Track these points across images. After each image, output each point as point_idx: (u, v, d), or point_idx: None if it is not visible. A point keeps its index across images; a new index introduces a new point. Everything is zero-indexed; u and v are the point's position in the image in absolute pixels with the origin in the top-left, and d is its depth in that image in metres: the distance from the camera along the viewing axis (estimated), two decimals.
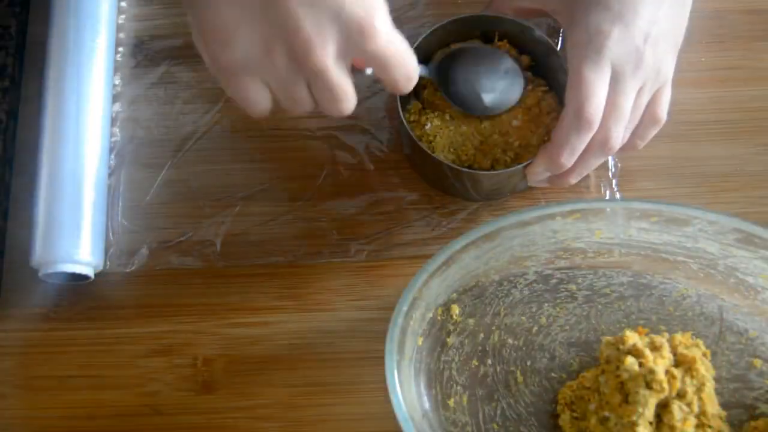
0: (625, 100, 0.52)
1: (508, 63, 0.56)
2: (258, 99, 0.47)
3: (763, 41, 0.62)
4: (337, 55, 0.44)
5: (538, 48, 0.57)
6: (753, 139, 0.60)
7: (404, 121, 0.55)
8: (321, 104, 0.47)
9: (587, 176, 0.58)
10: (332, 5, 0.43)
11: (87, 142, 0.56)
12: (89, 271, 0.55)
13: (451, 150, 0.56)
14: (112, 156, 0.60)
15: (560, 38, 0.59)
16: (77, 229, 0.55)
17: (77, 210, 0.55)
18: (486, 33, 0.58)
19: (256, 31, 0.44)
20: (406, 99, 0.57)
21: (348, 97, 0.47)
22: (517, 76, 0.56)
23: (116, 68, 0.62)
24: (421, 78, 0.58)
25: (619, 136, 0.52)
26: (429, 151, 0.54)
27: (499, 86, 0.56)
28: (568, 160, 0.52)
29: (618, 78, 0.51)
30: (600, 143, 0.52)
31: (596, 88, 0.50)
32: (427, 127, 0.56)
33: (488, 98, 0.55)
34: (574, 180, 0.55)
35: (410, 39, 0.61)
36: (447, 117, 0.56)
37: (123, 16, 0.63)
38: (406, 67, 0.47)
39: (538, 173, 0.54)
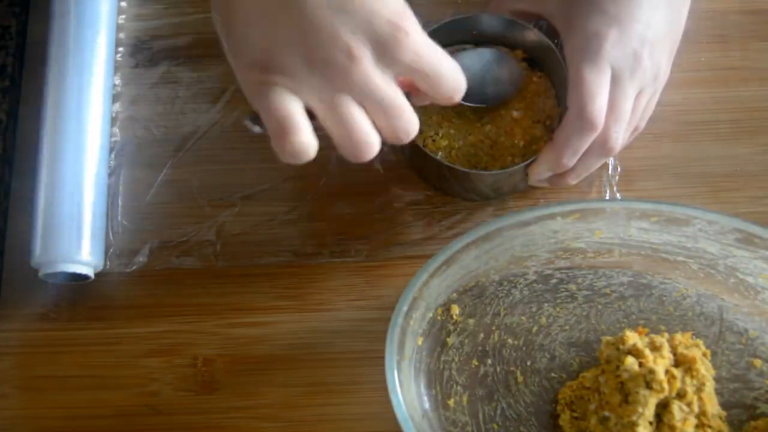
0: (624, 102, 0.52)
1: (503, 55, 0.57)
2: (302, 125, 0.42)
3: (763, 41, 0.62)
4: (377, 65, 0.42)
5: (536, 47, 0.57)
6: (753, 139, 0.60)
7: None
8: (378, 128, 0.43)
9: (587, 176, 0.58)
10: (363, 10, 0.40)
11: (87, 142, 0.57)
12: (89, 271, 0.55)
13: (466, 162, 0.56)
14: (112, 156, 0.60)
15: (557, 41, 0.59)
16: (77, 229, 0.55)
17: (77, 210, 0.55)
18: (482, 34, 0.58)
19: (293, 44, 0.41)
20: None
21: (405, 113, 0.43)
22: (512, 65, 0.56)
23: (116, 68, 0.62)
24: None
25: (620, 137, 0.52)
26: (431, 154, 0.54)
27: (499, 75, 0.56)
28: (570, 160, 0.52)
29: (617, 80, 0.52)
30: (600, 144, 0.52)
31: (598, 90, 0.51)
32: (439, 156, 0.55)
33: (490, 88, 0.55)
34: (573, 181, 0.55)
35: None
36: (451, 131, 0.56)
37: (123, 16, 0.63)
38: (452, 71, 0.44)
39: (540, 173, 0.54)
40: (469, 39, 0.58)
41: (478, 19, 0.57)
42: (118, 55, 0.62)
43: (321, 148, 0.60)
